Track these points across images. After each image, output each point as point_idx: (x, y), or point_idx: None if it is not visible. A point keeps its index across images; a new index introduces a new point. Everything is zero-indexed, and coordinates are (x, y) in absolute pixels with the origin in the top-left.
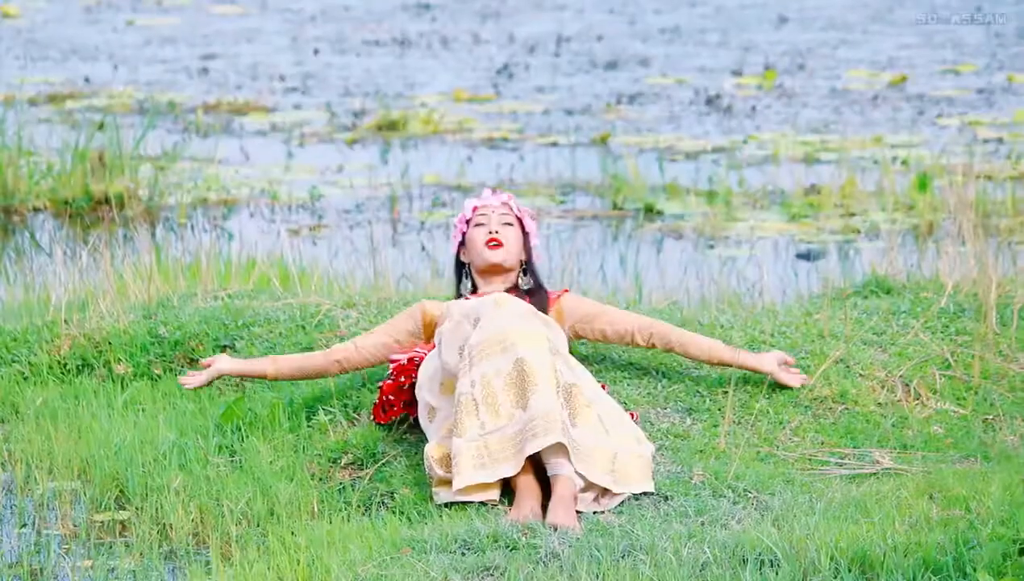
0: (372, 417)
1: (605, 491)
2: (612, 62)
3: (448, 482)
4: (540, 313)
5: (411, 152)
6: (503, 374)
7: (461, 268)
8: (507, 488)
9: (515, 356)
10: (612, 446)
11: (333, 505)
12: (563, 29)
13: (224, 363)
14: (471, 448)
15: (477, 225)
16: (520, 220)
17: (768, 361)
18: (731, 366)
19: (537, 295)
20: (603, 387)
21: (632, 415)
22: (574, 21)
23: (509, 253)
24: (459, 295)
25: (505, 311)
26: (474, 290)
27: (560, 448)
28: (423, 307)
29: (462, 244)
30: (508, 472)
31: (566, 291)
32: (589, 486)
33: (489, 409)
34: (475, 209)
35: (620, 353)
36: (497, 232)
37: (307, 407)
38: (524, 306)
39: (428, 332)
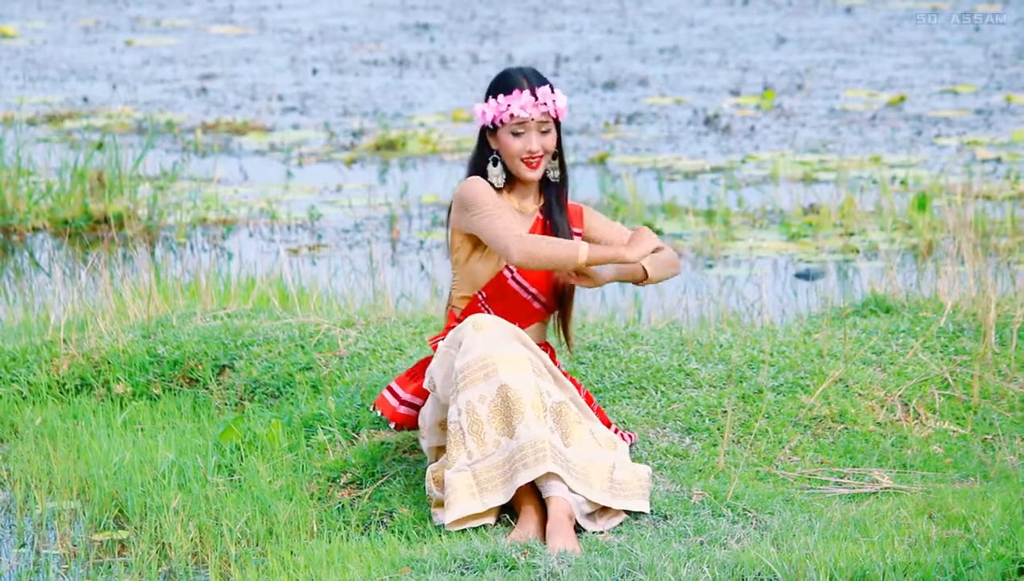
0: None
1: (604, 509)
2: (611, 82)
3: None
4: (521, 333)
5: (410, 172)
6: (487, 401)
7: (488, 151)
8: (508, 508)
9: (498, 382)
10: (609, 460)
11: (332, 524)
12: (562, 49)
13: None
14: (460, 479)
15: (513, 134)
16: (556, 118)
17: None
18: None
19: (560, 193)
20: (583, 393)
21: (630, 436)
22: (573, 41)
23: (545, 162)
24: (483, 175)
25: (485, 334)
26: (507, 181)
27: (552, 473)
28: (490, 187)
29: (492, 131)
30: (499, 501)
31: (585, 206)
32: (588, 503)
33: (475, 438)
34: (512, 117)
35: (619, 373)
36: (535, 151)
37: (306, 426)
38: (505, 327)
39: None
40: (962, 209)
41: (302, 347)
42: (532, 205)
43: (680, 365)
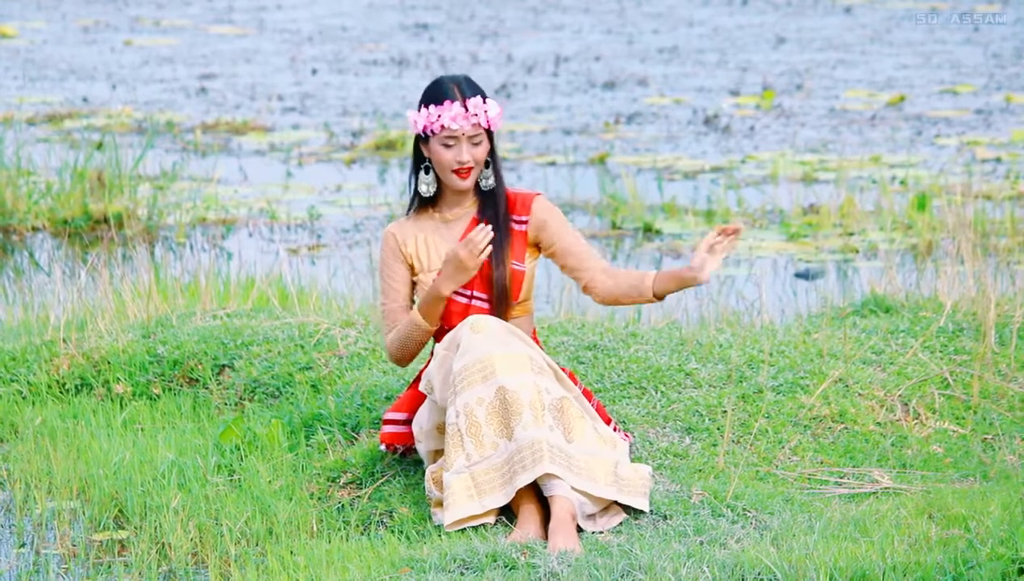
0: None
1: (604, 509)
2: (610, 82)
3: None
4: (518, 331)
5: (409, 172)
6: (485, 403)
7: (421, 159)
8: (507, 508)
9: (496, 384)
10: (613, 456)
11: (332, 524)
12: (561, 49)
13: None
14: (459, 481)
15: (444, 145)
16: (488, 128)
17: (695, 271)
18: (661, 297)
19: (496, 198)
20: (580, 388)
21: (626, 435)
22: (572, 41)
23: (476, 173)
24: (415, 192)
25: (483, 336)
26: (434, 199)
27: (551, 474)
28: (394, 239)
29: (424, 140)
30: (498, 503)
31: (538, 195)
32: (591, 503)
33: (473, 439)
34: (443, 128)
35: (619, 373)
36: (466, 162)
37: (306, 426)
38: (502, 327)
39: (410, 263)
40: (962, 209)
41: (302, 347)
42: (465, 208)
43: (680, 365)
